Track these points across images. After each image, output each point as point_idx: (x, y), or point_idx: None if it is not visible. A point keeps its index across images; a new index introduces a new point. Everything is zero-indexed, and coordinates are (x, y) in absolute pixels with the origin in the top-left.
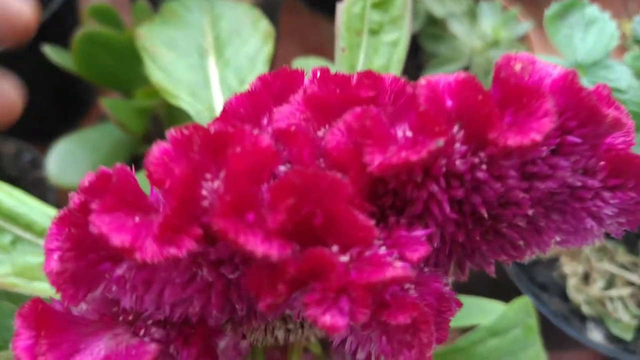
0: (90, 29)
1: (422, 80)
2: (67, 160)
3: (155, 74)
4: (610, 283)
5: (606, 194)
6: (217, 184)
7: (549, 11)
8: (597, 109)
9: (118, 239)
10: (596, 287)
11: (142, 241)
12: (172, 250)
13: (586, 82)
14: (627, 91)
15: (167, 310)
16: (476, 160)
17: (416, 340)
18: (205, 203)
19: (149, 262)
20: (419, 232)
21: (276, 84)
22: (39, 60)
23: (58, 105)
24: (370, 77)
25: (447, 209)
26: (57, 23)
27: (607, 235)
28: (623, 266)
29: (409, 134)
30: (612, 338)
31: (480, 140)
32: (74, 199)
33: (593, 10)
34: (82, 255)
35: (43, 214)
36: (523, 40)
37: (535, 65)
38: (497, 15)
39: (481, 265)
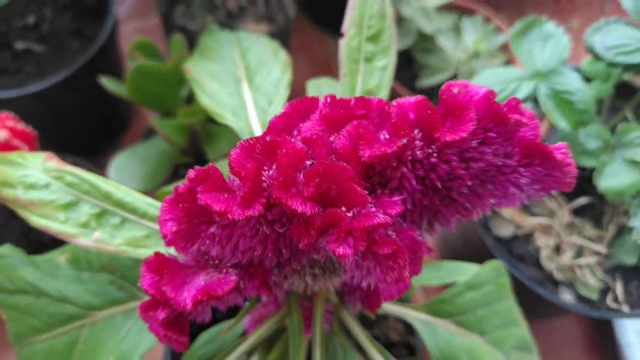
0: (140, 63)
1: (394, 102)
2: (124, 171)
3: (204, 100)
4: (579, 253)
5: (521, 169)
6: (271, 172)
7: (513, 29)
8: (504, 115)
9: (217, 206)
10: (566, 256)
11: (231, 207)
12: (249, 212)
13: (543, 87)
14: (575, 93)
15: (239, 257)
16: (430, 150)
17: (396, 265)
18: (265, 184)
19: (235, 219)
20: (396, 198)
21: (301, 107)
22: (91, 87)
23: (104, 125)
24: (363, 101)
25: (414, 182)
26: (103, 55)
27: (576, 213)
28: (590, 239)
29: (387, 136)
30: (581, 299)
31: (431, 138)
32: (182, 186)
33: (550, 26)
34: (190, 220)
35: (143, 202)
36: (504, 48)
37: (468, 88)
38: (478, 29)
39: (444, 223)
